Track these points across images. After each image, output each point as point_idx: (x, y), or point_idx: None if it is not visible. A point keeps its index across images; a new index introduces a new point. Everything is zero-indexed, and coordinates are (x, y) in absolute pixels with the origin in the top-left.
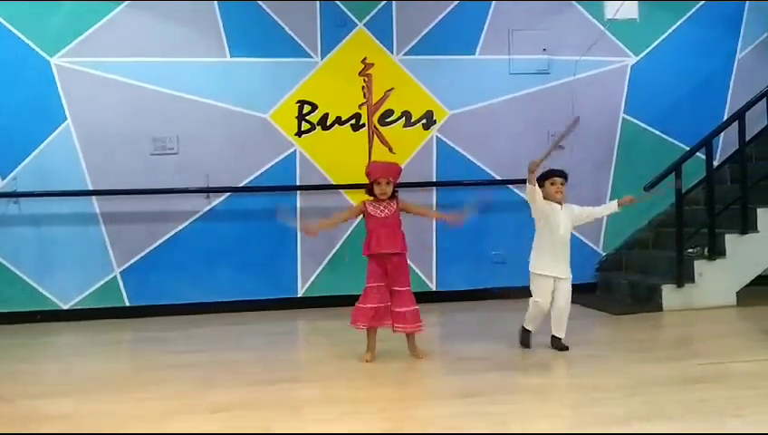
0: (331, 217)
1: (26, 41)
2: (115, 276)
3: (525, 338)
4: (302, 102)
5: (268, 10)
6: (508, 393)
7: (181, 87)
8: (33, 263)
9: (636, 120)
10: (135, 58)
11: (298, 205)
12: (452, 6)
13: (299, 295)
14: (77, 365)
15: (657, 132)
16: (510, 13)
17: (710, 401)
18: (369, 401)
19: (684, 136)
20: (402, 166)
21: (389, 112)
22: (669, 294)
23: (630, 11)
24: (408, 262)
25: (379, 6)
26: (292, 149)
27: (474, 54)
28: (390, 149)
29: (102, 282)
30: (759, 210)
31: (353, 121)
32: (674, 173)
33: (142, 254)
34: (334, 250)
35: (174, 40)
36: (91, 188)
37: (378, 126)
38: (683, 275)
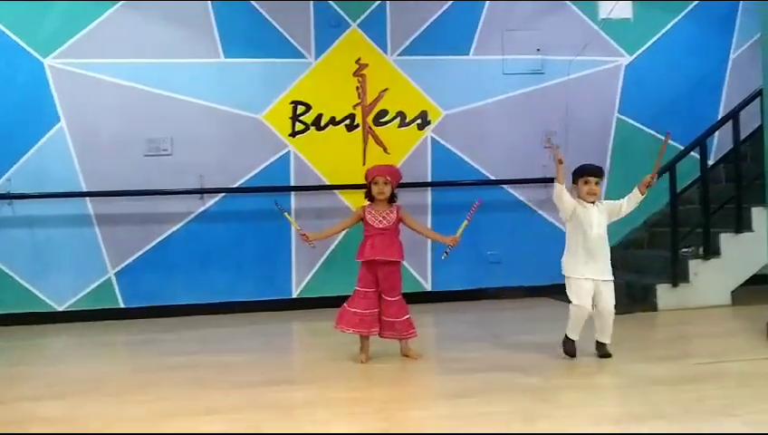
0: (330, 227)
1: (19, 42)
2: (109, 278)
3: (570, 347)
4: (296, 103)
5: (262, 10)
6: (504, 393)
7: (175, 88)
8: (28, 265)
9: (630, 120)
10: (128, 59)
11: (292, 205)
12: (446, 7)
13: (293, 297)
14: (72, 367)
15: (652, 132)
16: (504, 13)
17: (705, 401)
18: (364, 402)
19: (678, 135)
20: (397, 166)
21: (384, 113)
22: (664, 294)
23: (624, 10)
24: (404, 263)
25: (373, 7)
26: (286, 150)
27: (468, 55)
28: (385, 150)
29: (97, 283)
30: (753, 209)
31: (348, 122)
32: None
33: (137, 255)
34: (329, 251)
35: (168, 40)
36: (85, 189)
37: (372, 126)
38: (678, 275)
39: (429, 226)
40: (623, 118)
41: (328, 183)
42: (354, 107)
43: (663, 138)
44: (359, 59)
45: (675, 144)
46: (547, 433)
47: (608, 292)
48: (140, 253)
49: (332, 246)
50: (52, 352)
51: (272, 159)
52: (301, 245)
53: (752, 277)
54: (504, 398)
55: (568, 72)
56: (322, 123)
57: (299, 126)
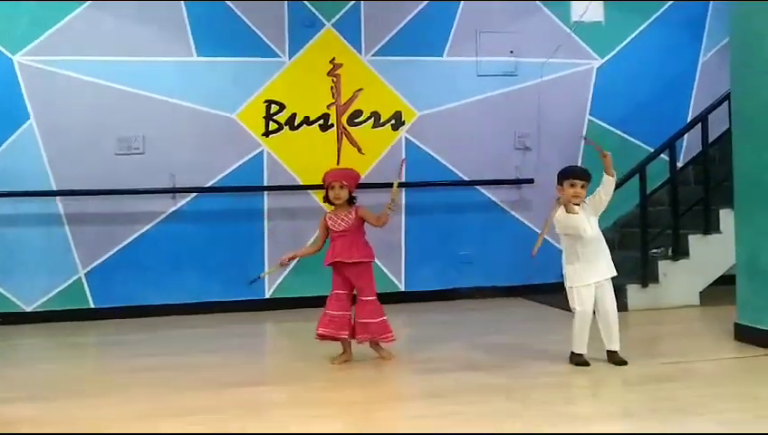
0: (304, 247)
1: None
2: (80, 278)
3: (580, 360)
4: (269, 102)
5: (235, 9)
6: (474, 394)
7: (147, 86)
8: None
9: (601, 122)
10: (100, 57)
11: (266, 205)
12: (420, 7)
13: (266, 297)
14: (42, 369)
15: (622, 134)
16: (477, 15)
17: (674, 400)
18: (336, 403)
19: (648, 138)
20: (372, 166)
21: (358, 113)
22: (634, 294)
23: (596, 14)
24: (378, 263)
25: (348, 7)
26: (259, 150)
27: (442, 56)
28: (359, 150)
29: (67, 284)
30: (721, 211)
31: (321, 122)
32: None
33: (107, 255)
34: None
35: (140, 39)
36: (54, 188)
37: (346, 126)
38: (647, 276)
39: (403, 226)
40: (594, 120)
41: (301, 183)
42: (328, 107)
43: (633, 140)
44: (333, 59)
45: (645, 146)
46: (516, 433)
47: (607, 292)
48: (111, 253)
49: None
50: (21, 353)
51: (245, 159)
52: (274, 245)
53: (719, 278)
54: (473, 398)
55: (541, 75)
56: (296, 123)
57: (272, 125)
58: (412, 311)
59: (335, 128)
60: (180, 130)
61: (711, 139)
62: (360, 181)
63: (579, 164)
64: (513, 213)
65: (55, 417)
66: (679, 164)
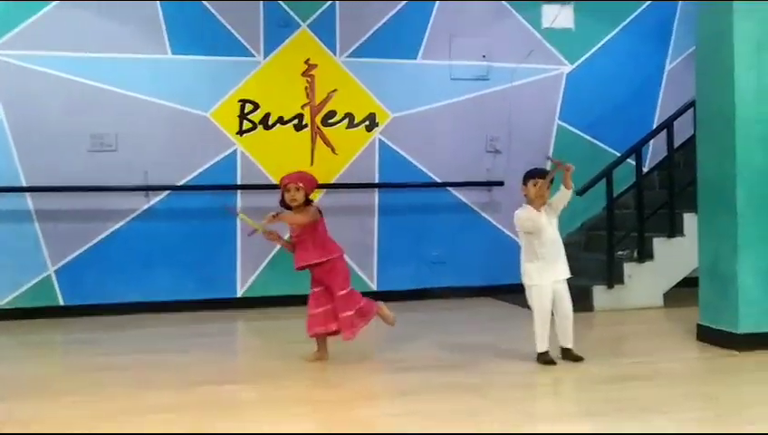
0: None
1: None
2: (49, 275)
3: (547, 358)
4: (243, 101)
5: (211, 8)
6: (443, 392)
7: (121, 83)
8: None
9: (570, 127)
10: (73, 53)
11: (239, 204)
12: (395, 10)
13: (238, 296)
14: (10, 367)
15: (590, 139)
16: (451, 18)
17: (638, 399)
18: (308, 402)
19: (615, 142)
20: (345, 167)
21: (332, 114)
22: (600, 295)
23: (566, 20)
24: (351, 263)
25: (323, 8)
26: (233, 148)
27: (416, 59)
28: (333, 150)
29: (36, 280)
30: (685, 215)
31: (296, 122)
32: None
33: (78, 252)
34: (274, 251)
35: (114, 35)
36: (24, 184)
37: (320, 127)
38: (613, 277)
39: (376, 227)
40: (563, 124)
41: (275, 182)
42: (303, 107)
43: (601, 144)
44: (308, 59)
45: (612, 151)
46: (479, 433)
47: (566, 292)
48: (82, 250)
49: (278, 246)
50: None
51: (218, 158)
52: (246, 245)
53: (683, 280)
54: (442, 396)
55: (512, 79)
56: (270, 122)
57: (246, 124)
58: None
59: (309, 128)
60: (154, 128)
61: (676, 144)
62: (334, 181)
63: (548, 168)
64: (483, 214)
65: (25, 416)
66: (645, 169)
